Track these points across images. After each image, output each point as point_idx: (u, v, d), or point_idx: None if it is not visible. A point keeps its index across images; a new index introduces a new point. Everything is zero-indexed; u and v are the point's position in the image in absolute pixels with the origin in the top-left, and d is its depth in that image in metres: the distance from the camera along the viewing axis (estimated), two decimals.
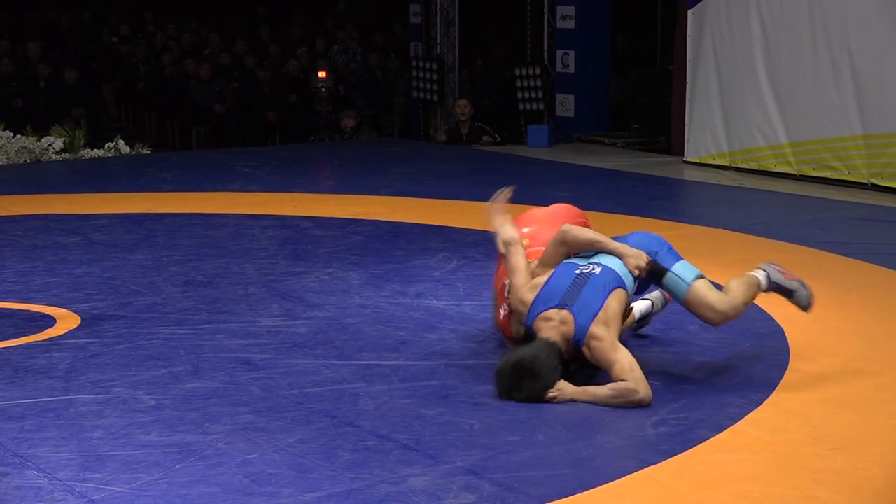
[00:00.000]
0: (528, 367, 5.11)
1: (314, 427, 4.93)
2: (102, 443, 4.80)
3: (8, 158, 13.09)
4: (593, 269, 5.37)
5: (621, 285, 5.36)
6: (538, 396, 5.12)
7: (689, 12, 12.74)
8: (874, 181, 10.89)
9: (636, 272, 5.40)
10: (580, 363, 5.41)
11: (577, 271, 5.37)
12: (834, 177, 11.28)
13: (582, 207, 9.91)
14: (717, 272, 7.70)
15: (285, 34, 18.14)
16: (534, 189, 10.74)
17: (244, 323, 6.58)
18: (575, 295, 5.26)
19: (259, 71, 16.59)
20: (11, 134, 13.40)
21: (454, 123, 15.33)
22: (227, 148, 14.85)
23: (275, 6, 19.07)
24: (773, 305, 6.84)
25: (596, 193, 10.94)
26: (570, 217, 6.12)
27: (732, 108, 12.26)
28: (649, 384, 5.16)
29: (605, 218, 9.60)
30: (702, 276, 5.51)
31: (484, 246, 8.61)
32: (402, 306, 6.94)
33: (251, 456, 4.60)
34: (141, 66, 16.78)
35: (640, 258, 5.42)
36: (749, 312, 6.74)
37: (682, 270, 5.49)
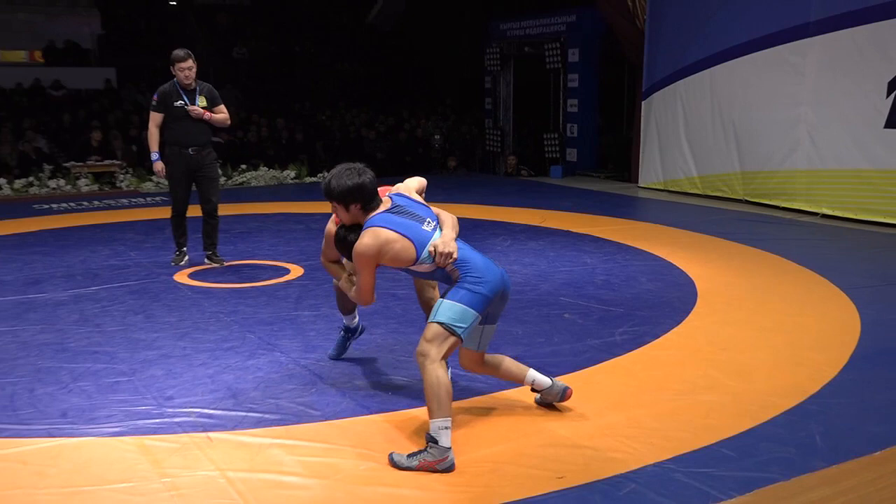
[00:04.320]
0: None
1: None
2: (315, 335, 4.87)
3: (265, 182, 13.27)
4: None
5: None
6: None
7: (643, 102, 12.54)
8: (748, 198, 10.63)
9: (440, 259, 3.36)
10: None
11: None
12: (724, 195, 11.03)
13: (577, 211, 9.90)
14: (656, 247, 7.64)
15: (412, 112, 18.12)
16: (553, 201, 10.66)
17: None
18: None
19: (399, 134, 16.61)
20: (267, 168, 13.62)
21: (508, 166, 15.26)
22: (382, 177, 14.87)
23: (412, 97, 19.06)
24: (689, 265, 6.74)
25: (586, 203, 10.80)
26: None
27: (665, 154, 12.04)
28: (609, 311, 5.03)
29: (590, 218, 9.52)
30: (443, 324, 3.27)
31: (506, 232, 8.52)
32: None
33: None
34: (337, 132, 16.88)
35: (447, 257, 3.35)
36: (673, 271, 6.69)
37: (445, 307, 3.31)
